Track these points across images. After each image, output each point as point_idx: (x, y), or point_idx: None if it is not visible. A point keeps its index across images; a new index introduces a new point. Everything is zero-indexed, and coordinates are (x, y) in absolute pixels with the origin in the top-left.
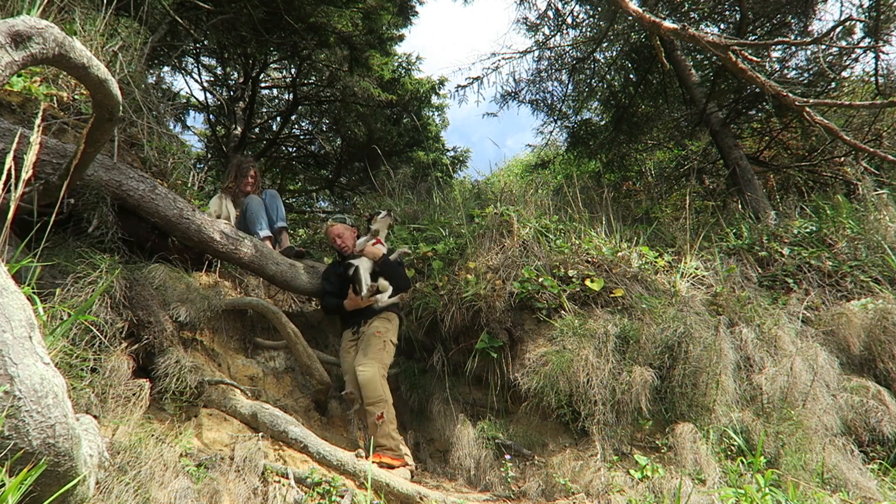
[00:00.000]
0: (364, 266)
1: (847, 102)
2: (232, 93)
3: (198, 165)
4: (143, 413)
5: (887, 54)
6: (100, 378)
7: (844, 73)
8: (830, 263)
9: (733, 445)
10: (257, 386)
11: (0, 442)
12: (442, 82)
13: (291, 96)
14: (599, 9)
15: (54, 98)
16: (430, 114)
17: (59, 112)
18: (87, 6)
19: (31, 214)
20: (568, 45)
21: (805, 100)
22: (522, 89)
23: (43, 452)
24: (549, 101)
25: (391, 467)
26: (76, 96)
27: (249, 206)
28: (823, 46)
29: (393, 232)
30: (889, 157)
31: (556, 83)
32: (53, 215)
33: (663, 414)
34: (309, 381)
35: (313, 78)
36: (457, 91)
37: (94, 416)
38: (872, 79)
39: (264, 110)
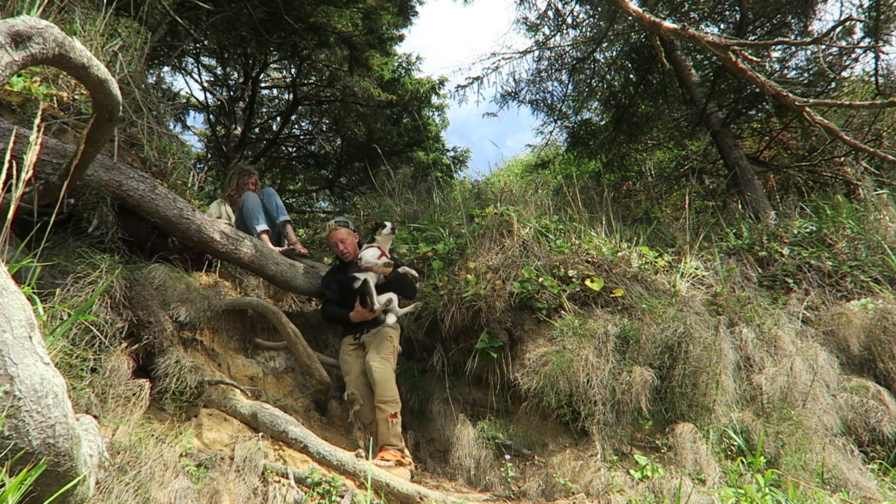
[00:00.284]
0: (372, 279)
1: (847, 102)
2: (232, 93)
3: (198, 165)
4: (143, 413)
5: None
6: (100, 378)
7: (844, 73)
8: (830, 263)
9: (733, 445)
10: (257, 386)
11: (0, 442)
12: (442, 82)
13: (291, 96)
14: (599, 9)
15: (54, 98)
16: (430, 114)
17: (59, 112)
18: (87, 6)
19: (31, 214)
20: (568, 45)
21: (805, 100)
22: (522, 89)
23: (43, 452)
24: (549, 101)
25: (400, 464)
26: (76, 96)
27: (246, 203)
28: (823, 46)
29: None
30: (889, 157)
31: (556, 83)
32: (53, 215)
33: (663, 414)
34: (309, 381)
35: (313, 78)
36: (457, 91)
37: (94, 416)
38: (872, 79)
39: (264, 110)
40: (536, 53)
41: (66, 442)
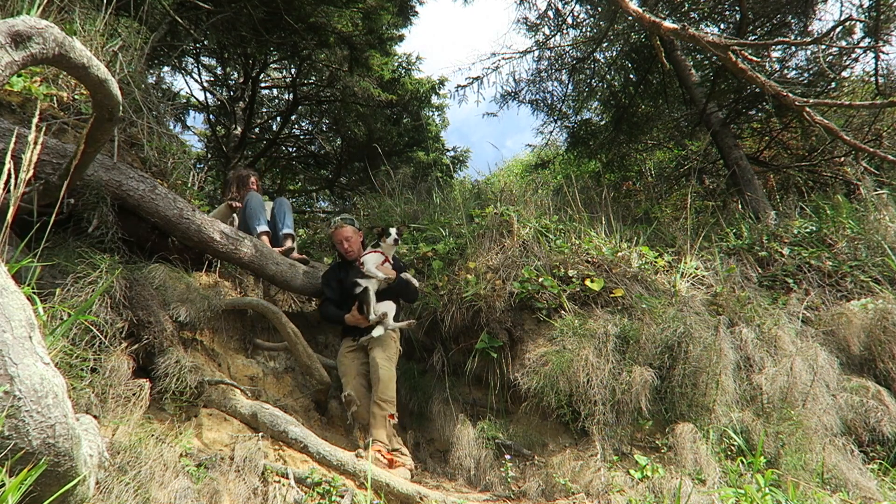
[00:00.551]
0: (373, 287)
1: (847, 102)
2: (232, 93)
3: (198, 165)
4: (143, 413)
5: (887, 54)
6: (100, 378)
7: (844, 73)
8: (830, 263)
9: (733, 445)
10: (257, 386)
11: (0, 442)
12: (442, 82)
13: (291, 96)
14: (599, 9)
15: (54, 98)
16: (430, 114)
17: (59, 112)
18: (87, 6)
19: (32, 214)
20: (568, 45)
21: (805, 100)
22: (522, 89)
23: (43, 452)
24: (549, 101)
25: (390, 464)
26: (76, 96)
27: (250, 202)
28: (823, 46)
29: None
30: (889, 157)
31: (556, 83)
32: (53, 215)
33: (663, 414)
34: (309, 381)
35: (313, 78)
36: (457, 91)
37: (94, 416)
38: (872, 79)
39: (264, 110)
40: (536, 53)
41: (66, 442)
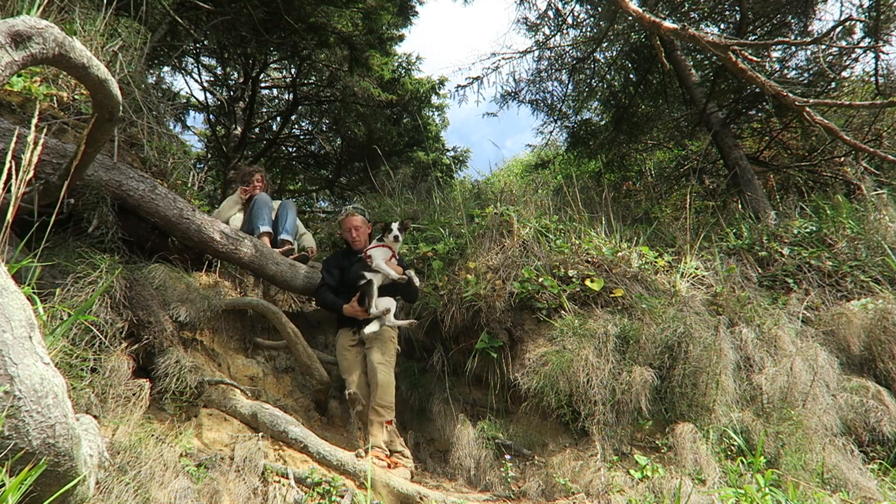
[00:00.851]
0: (377, 282)
1: (847, 102)
2: (232, 93)
3: (198, 165)
4: (143, 413)
5: (887, 54)
6: (100, 378)
7: (844, 73)
8: (830, 263)
9: (733, 445)
10: (257, 386)
11: (0, 442)
12: (442, 82)
13: (291, 96)
14: (599, 9)
15: (54, 98)
16: (430, 114)
17: (59, 112)
18: (87, 6)
19: (32, 214)
20: (568, 45)
21: (805, 100)
22: (522, 89)
23: (43, 452)
24: (549, 101)
25: (390, 467)
26: (76, 96)
27: (256, 202)
28: (823, 46)
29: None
30: (889, 157)
31: (556, 83)
32: (53, 215)
33: (663, 414)
34: (309, 381)
35: (313, 78)
36: (457, 91)
37: (94, 416)
38: (872, 79)
39: (264, 110)
40: (536, 53)
41: (66, 442)
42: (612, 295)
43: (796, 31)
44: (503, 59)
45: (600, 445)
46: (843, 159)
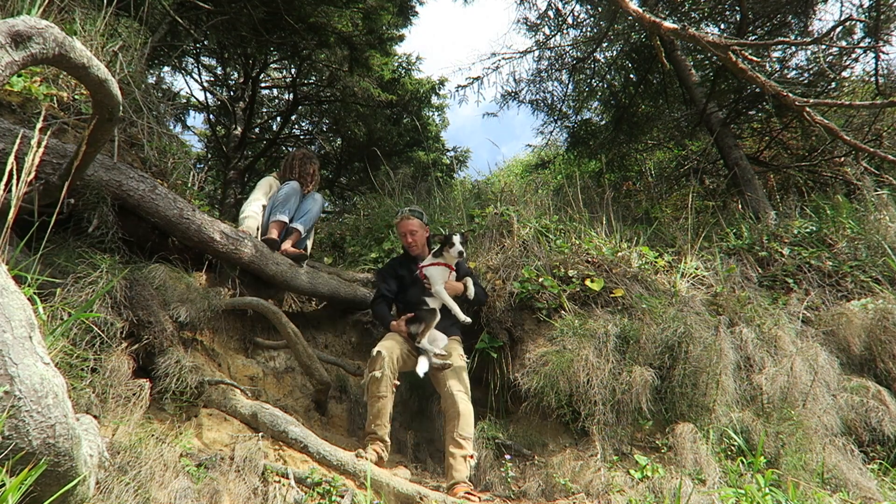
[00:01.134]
0: (438, 306)
1: (847, 102)
2: (232, 93)
3: (198, 165)
4: (143, 413)
5: (887, 54)
6: (100, 378)
7: (844, 73)
8: (830, 263)
9: (733, 445)
10: (257, 386)
11: (0, 442)
12: (442, 82)
13: (291, 96)
14: (600, 9)
15: (54, 98)
16: (430, 114)
17: (59, 112)
18: (87, 6)
19: (32, 214)
20: (568, 45)
21: (805, 100)
22: (522, 89)
23: (43, 452)
24: (549, 101)
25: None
26: (76, 96)
27: (283, 188)
28: (823, 46)
29: (393, 232)
30: (889, 157)
31: (556, 83)
32: (54, 215)
33: (663, 414)
34: (309, 381)
35: (313, 78)
36: (457, 91)
37: (94, 416)
38: (872, 79)
39: (264, 110)
40: (536, 53)
41: (66, 442)
42: (612, 295)
43: (796, 31)
44: (503, 59)
45: (600, 445)
46: (843, 159)
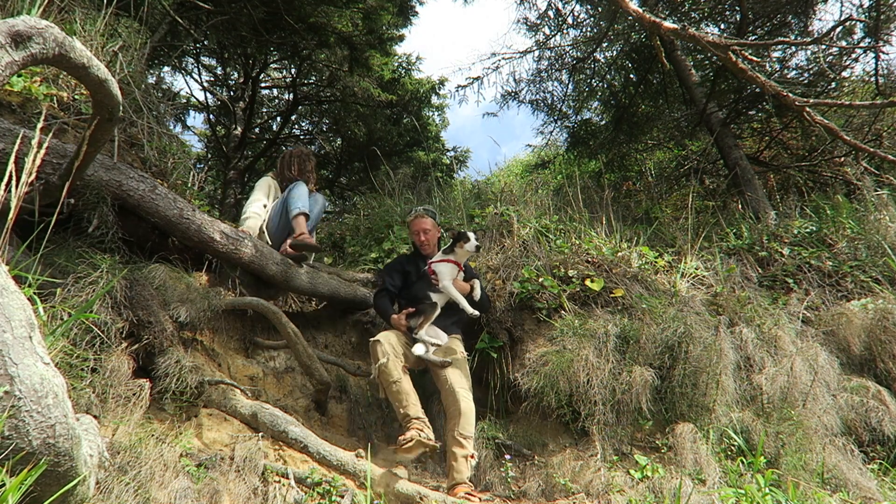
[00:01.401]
0: (441, 302)
1: (847, 102)
2: (232, 93)
3: (198, 165)
4: (143, 413)
5: (887, 54)
6: (100, 378)
7: (844, 73)
8: (830, 263)
9: (733, 445)
10: (257, 386)
11: (0, 442)
12: (442, 82)
13: (291, 96)
14: (599, 9)
15: (54, 98)
16: (430, 114)
17: (59, 112)
18: (87, 6)
19: (32, 215)
20: (568, 45)
21: (805, 100)
22: (522, 89)
23: (43, 452)
24: (550, 101)
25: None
26: (76, 96)
27: (295, 188)
28: (823, 46)
29: (393, 232)
30: (889, 157)
31: (556, 83)
32: (54, 215)
33: (663, 414)
34: (309, 381)
35: (313, 78)
36: (457, 91)
37: (94, 416)
38: (872, 79)
39: (264, 110)
40: (536, 53)
41: (66, 442)
42: (612, 295)
43: (796, 31)
44: (503, 59)
45: (600, 445)
46: (843, 159)
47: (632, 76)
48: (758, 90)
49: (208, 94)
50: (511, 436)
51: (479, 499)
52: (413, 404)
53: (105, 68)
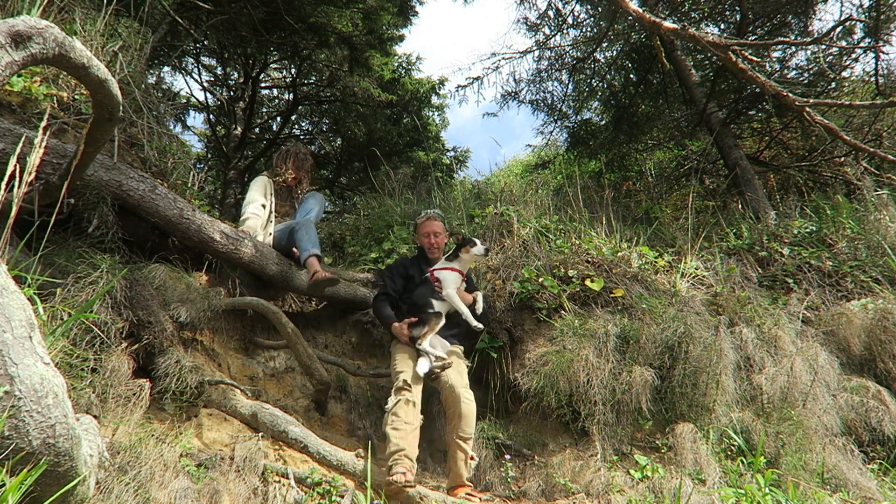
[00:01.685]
0: (444, 310)
1: (847, 102)
2: (232, 93)
3: (198, 165)
4: (143, 413)
5: (887, 54)
6: (100, 378)
7: (844, 73)
8: (830, 263)
9: (733, 445)
10: (257, 386)
11: (0, 442)
12: (442, 82)
13: (291, 96)
14: (600, 9)
15: (54, 98)
16: (430, 114)
17: (59, 112)
18: (87, 6)
19: (32, 214)
20: (568, 45)
21: (805, 100)
22: (522, 89)
23: (43, 452)
24: (550, 101)
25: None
26: (76, 96)
27: (313, 209)
28: (823, 46)
29: (393, 232)
30: (889, 157)
31: (556, 83)
32: (54, 215)
33: (663, 414)
34: (309, 381)
35: (313, 78)
36: (457, 91)
37: (94, 416)
38: (872, 79)
39: (264, 110)
40: (536, 53)
41: (66, 442)
42: (612, 295)
43: (796, 31)
44: (503, 59)
45: (600, 445)
46: (843, 159)
47: (632, 76)
48: (758, 90)
49: (208, 94)
50: (511, 436)
51: (480, 499)
52: (412, 446)
53: (105, 68)
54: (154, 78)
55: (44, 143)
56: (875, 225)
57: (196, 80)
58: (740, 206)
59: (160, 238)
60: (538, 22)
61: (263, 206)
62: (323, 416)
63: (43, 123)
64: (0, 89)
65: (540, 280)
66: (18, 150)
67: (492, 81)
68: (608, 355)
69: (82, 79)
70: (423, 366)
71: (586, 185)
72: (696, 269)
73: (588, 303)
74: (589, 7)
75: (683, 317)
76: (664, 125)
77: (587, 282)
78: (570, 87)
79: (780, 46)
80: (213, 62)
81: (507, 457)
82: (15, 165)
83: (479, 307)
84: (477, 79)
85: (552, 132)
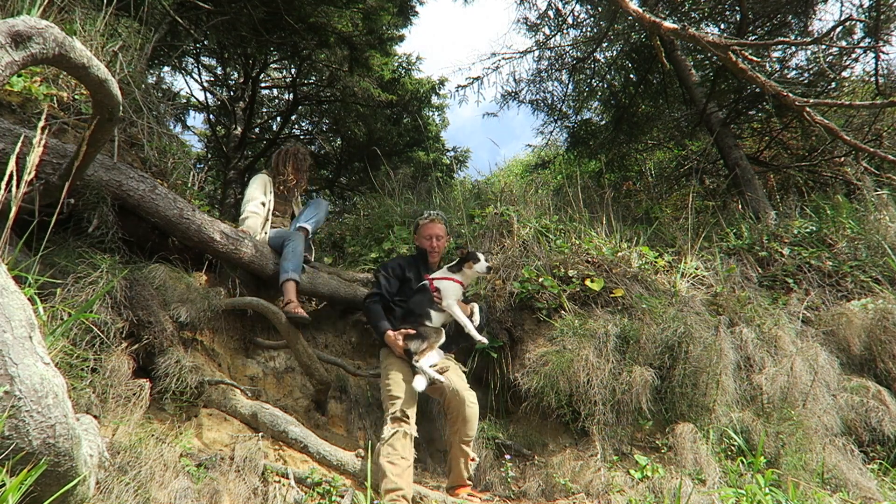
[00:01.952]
0: (442, 321)
1: (847, 102)
2: (232, 93)
3: (198, 165)
4: (143, 413)
5: (887, 54)
6: (100, 378)
7: (844, 73)
8: (830, 263)
9: (733, 445)
10: (257, 386)
11: (0, 442)
12: (442, 82)
13: (291, 96)
14: (600, 9)
15: (54, 98)
16: (430, 114)
17: (59, 112)
18: (87, 6)
19: (32, 215)
20: (568, 45)
21: (805, 100)
22: (522, 89)
23: (43, 452)
24: (550, 101)
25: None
26: (76, 96)
27: (296, 239)
28: (823, 46)
29: (393, 232)
30: (889, 157)
31: (556, 83)
32: (54, 215)
33: (663, 414)
34: (309, 381)
35: (313, 78)
36: (457, 91)
37: (95, 416)
38: (872, 79)
39: (264, 110)
40: (536, 53)
41: (66, 442)
42: (612, 295)
43: (796, 31)
44: (503, 59)
45: (600, 445)
46: (843, 159)
47: (632, 76)
48: (758, 90)
49: (208, 94)
50: (511, 436)
51: (480, 499)
52: (409, 486)
53: (105, 68)
54: (154, 78)
55: (43, 143)
56: (875, 225)
57: (196, 80)
58: (740, 206)
59: (160, 238)
60: (538, 22)
61: (263, 204)
62: (323, 416)
63: (41, 123)
64: (0, 89)
65: (540, 280)
66: (17, 149)
67: (492, 81)
68: (608, 355)
69: (82, 79)
70: (420, 384)
71: (586, 185)
72: (696, 269)
73: (588, 303)
74: (589, 7)
75: (683, 317)
76: (664, 125)
77: (587, 282)
78: (570, 87)
79: (780, 46)
80: (213, 62)
81: (507, 457)
82: (13, 165)
83: (477, 319)
84: (477, 79)
85: (552, 132)
